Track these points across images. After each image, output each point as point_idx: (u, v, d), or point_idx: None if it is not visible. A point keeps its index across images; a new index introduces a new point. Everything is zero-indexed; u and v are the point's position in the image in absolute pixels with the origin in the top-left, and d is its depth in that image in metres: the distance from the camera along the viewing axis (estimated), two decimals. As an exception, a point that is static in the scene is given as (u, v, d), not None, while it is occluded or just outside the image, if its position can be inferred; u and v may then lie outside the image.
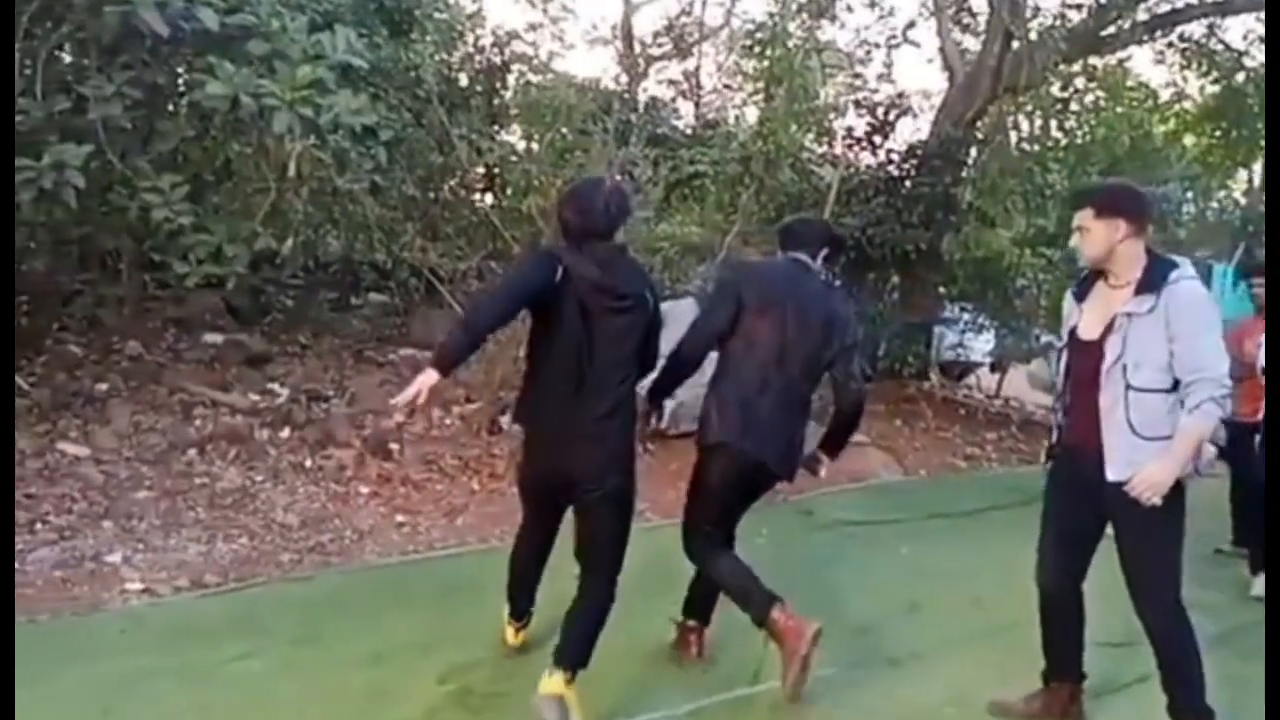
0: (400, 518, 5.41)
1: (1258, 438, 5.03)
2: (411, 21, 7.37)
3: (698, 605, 3.87)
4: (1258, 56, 11.08)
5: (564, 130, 6.69)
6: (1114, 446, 3.11)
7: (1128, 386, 3.07)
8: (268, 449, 5.83)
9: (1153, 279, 3.07)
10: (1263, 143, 10.25)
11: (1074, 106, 11.22)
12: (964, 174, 9.71)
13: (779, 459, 3.60)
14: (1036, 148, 11.03)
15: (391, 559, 4.95)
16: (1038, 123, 11.82)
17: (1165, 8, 10.69)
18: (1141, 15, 10.27)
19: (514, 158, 7.22)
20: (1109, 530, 3.22)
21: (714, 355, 3.79)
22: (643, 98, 9.61)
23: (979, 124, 10.25)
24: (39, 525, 4.68)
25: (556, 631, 3.83)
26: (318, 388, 6.73)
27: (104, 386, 6.04)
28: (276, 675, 3.56)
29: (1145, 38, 10.89)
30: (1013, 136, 11.57)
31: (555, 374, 3.22)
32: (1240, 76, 11.46)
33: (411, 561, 4.96)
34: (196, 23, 4.53)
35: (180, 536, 4.82)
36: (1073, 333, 3.27)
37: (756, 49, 9.22)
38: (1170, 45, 11.85)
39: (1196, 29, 11.55)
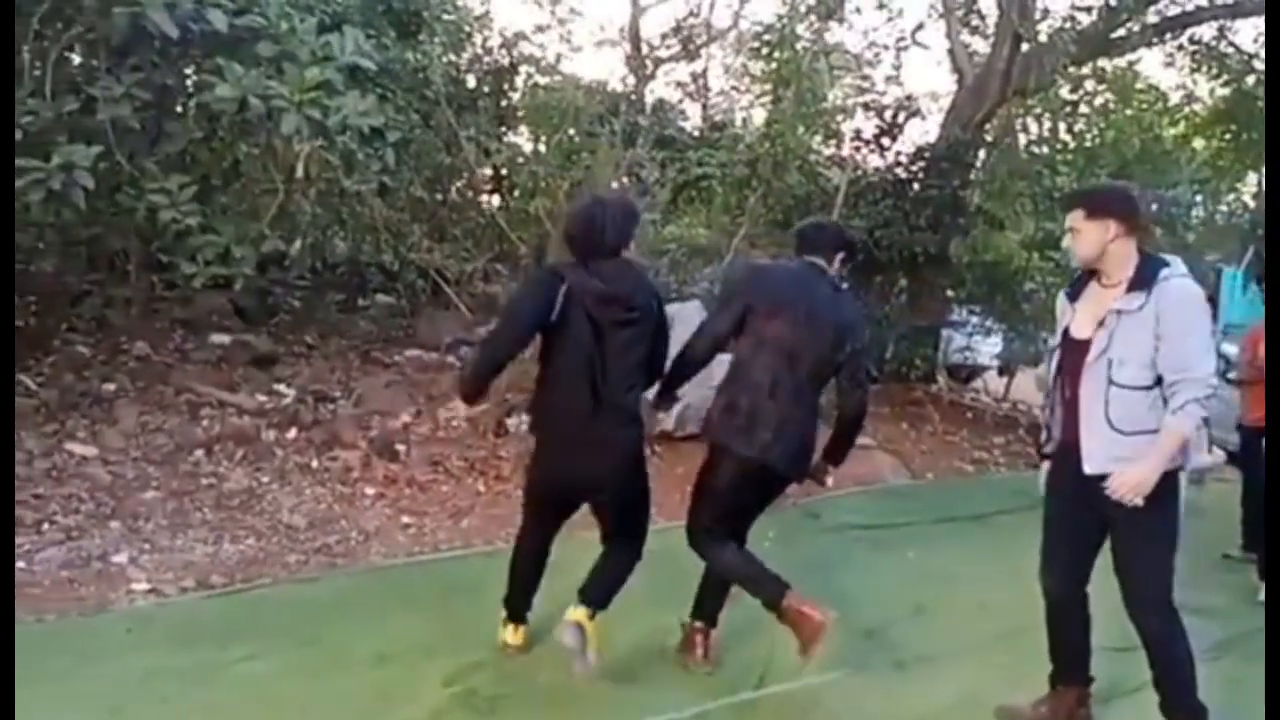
0: (406, 519, 5.41)
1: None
2: (419, 23, 7.40)
3: (705, 606, 3.87)
4: (1268, 59, 11.03)
5: (571, 132, 6.69)
6: (1092, 441, 3.13)
7: (1110, 382, 3.09)
8: (274, 450, 5.83)
9: (1144, 277, 3.09)
10: (1274, 146, 10.20)
11: (1083, 109, 11.21)
12: (972, 176, 9.69)
13: (786, 461, 3.60)
14: (1045, 150, 11.02)
15: (397, 560, 4.95)
16: (1047, 125, 11.81)
17: (1175, 10, 10.66)
18: (1151, 18, 10.23)
19: (521, 159, 7.23)
20: None
21: (724, 356, 3.83)
22: (650, 99, 9.60)
23: (988, 126, 10.22)
24: (46, 525, 4.68)
25: (553, 629, 3.85)
26: (324, 389, 6.73)
27: (111, 387, 6.05)
28: (282, 676, 3.56)
29: (1155, 40, 10.84)
30: (1021, 139, 11.56)
31: (568, 385, 3.38)
32: (1250, 79, 11.41)
33: (417, 563, 4.96)
34: (206, 24, 4.56)
35: (187, 537, 4.82)
36: (1066, 332, 3.29)
37: (764, 51, 9.22)
38: (1180, 48, 11.81)
39: (1207, 31, 11.51)
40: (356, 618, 4.13)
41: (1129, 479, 3.02)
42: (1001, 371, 10.65)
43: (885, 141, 9.46)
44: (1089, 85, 11.29)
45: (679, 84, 11.54)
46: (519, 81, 8.36)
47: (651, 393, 3.75)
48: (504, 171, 7.57)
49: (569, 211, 3.72)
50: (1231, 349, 9.76)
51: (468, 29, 8.59)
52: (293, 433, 6.05)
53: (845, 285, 3.92)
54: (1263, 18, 10.16)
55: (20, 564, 4.34)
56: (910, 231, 8.75)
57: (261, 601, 4.30)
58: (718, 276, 8.16)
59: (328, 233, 8.38)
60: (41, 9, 4.59)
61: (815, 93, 8.43)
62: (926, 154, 9.45)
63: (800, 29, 8.58)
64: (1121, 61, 12.01)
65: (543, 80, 8.05)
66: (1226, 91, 12.32)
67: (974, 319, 10.60)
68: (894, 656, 4.02)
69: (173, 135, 5.25)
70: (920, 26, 10.67)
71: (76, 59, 5.19)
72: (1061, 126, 11.47)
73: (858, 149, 9.51)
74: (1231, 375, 9.53)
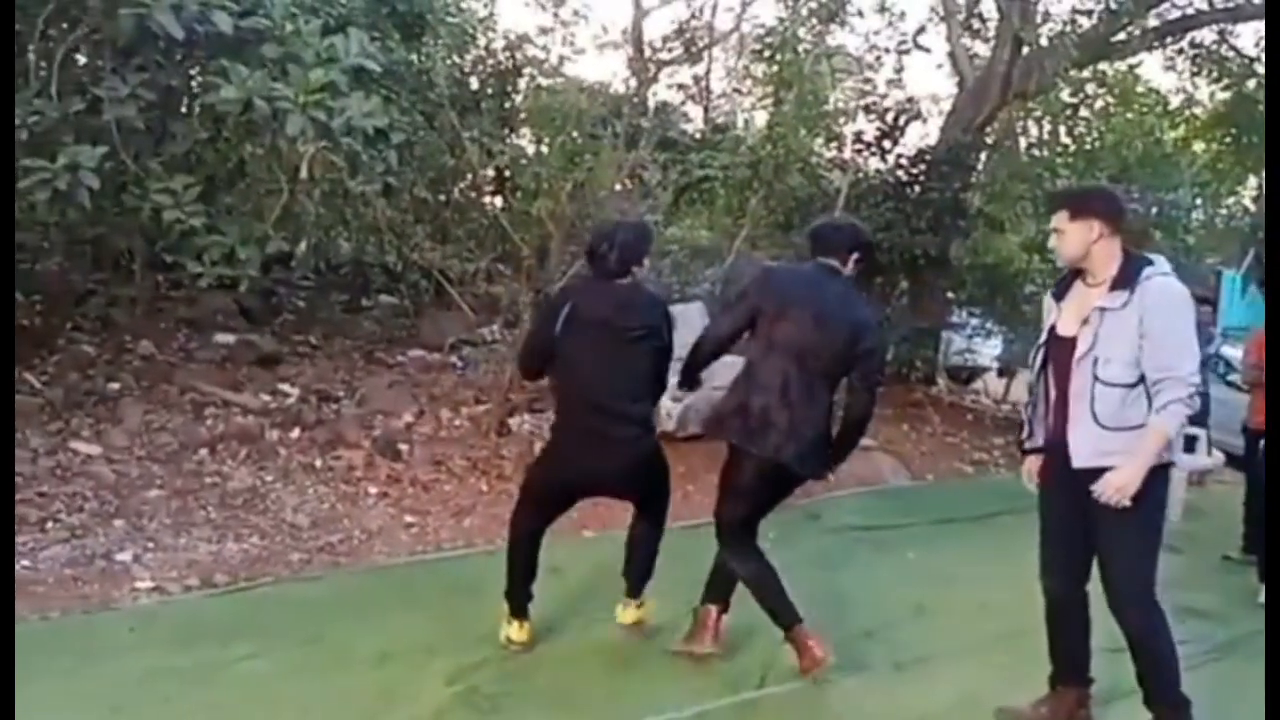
0: (409, 518, 5.43)
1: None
2: (424, 25, 7.42)
3: (717, 588, 3.91)
4: (1269, 63, 11.04)
5: (574, 134, 6.69)
6: (1079, 436, 3.17)
7: (1095, 379, 3.12)
8: (278, 449, 5.85)
9: (1127, 275, 3.13)
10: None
11: (1084, 112, 11.23)
12: (973, 179, 9.70)
13: (799, 461, 3.64)
14: (1046, 153, 11.04)
15: (400, 559, 4.97)
16: (1047, 128, 11.82)
17: (1176, 14, 10.66)
18: (1152, 21, 10.23)
19: (524, 161, 7.23)
20: None
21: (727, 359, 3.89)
22: (652, 102, 9.60)
23: (988, 129, 10.24)
24: (51, 523, 4.69)
25: (555, 628, 3.87)
26: (328, 388, 6.75)
27: (116, 386, 6.07)
28: (285, 675, 3.58)
29: (1156, 44, 10.85)
30: (1022, 142, 11.58)
31: (575, 394, 3.68)
32: (1251, 83, 11.43)
33: (419, 562, 4.98)
34: (211, 26, 4.56)
35: (190, 536, 4.84)
36: (1052, 329, 3.33)
37: (766, 54, 9.22)
38: (1181, 51, 11.82)
39: (1207, 35, 11.51)
40: (359, 616, 4.15)
41: (1114, 480, 3.05)
42: (1001, 373, 10.68)
43: (886, 144, 9.47)
44: (1089, 88, 11.31)
45: (681, 86, 11.52)
46: (522, 84, 8.37)
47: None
48: (507, 173, 7.57)
49: (590, 235, 4.09)
50: (1232, 352, 9.82)
51: (471, 31, 8.61)
52: (296, 432, 6.07)
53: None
54: (1263, 22, 10.19)
55: (25, 562, 4.35)
56: (911, 234, 8.77)
57: (264, 600, 4.32)
58: (719, 278, 8.18)
59: (332, 233, 8.38)
60: (47, 10, 4.60)
61: (817, 95, 8.45)
62: (927, 156, 9.46)
63: (802, 32, 8.61)
64: (1122, 65, 12.02)
65: (546, 82, 8.04)
66: (1227, 95, 12.33)
67: (974, 321, 10.63)
68: (894, 657, 4.03)
69: (178, 136, 5.26)
70: (921, 30, 10.64)
71: (82, 60, 5.20)
72: (1062, 129, 11.48)
73: (859, 151, 9.52)
74: (1232, 378, 9.60)
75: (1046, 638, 3.44)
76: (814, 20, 8.82)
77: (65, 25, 4.86)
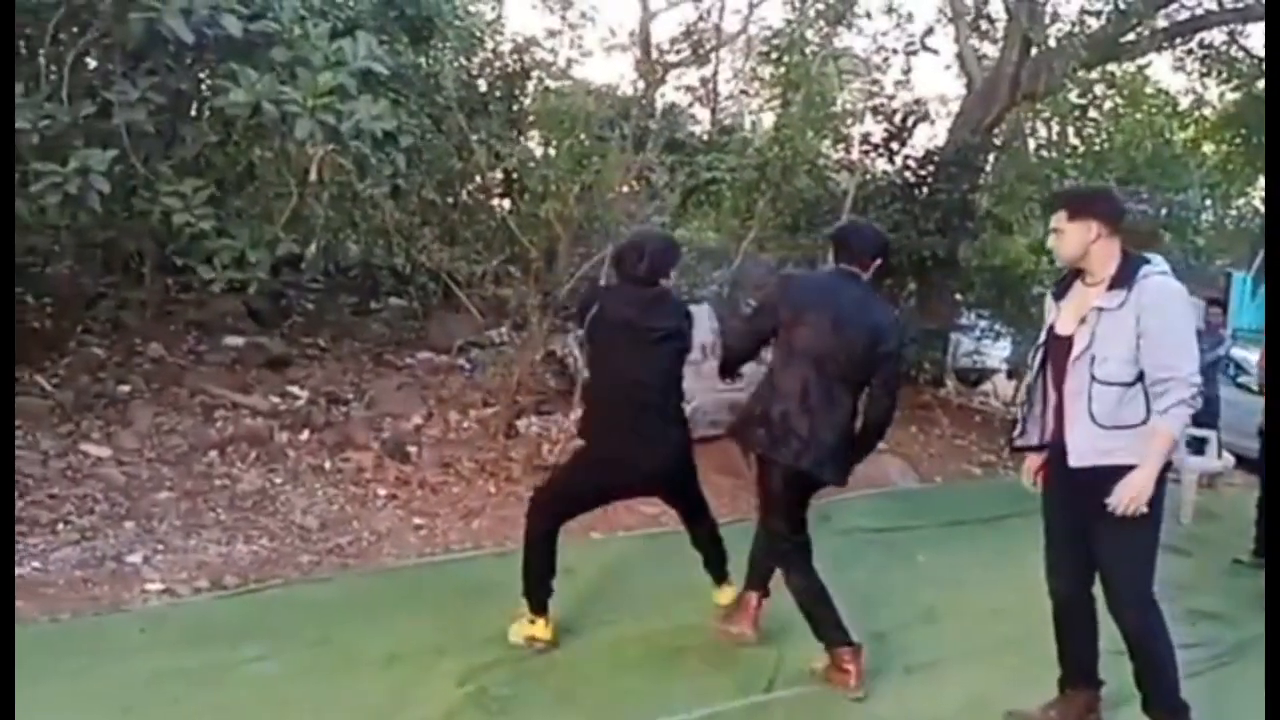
0: (418, 520, 5.44)
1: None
2: (432, 28, 7.43)
3: (758, 575, 3.99)
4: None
5: (582, 136, 6.70)
6: (1076, 435, 3.18)
7: (1092, 378, 3.13)
8: (287, 451, 5.87)
9: (1125, 275, 3.14)
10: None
11: (1093, 113, 11.18)
12: (981, 181, 9.68)
13: (819, 466, 3.66)
14: (1054, 155, 11.01)
15: (408, 561, 4.98)
16: (1056, 129, 11.79)
17: (1185, 15, 10.63)
18: (1161, 22, 10.21)
19: (532, 163, 7.24)
20: None
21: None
22: (660, 104, 9.60)
23: (997, 130, 10.21)
24: (61, 525, 4.71)
25: (566, 629, 3.88)
26: (337, 391, 6.76)
27: (126, 388, 6.09)
28: (295, 677, 3.59)
29: (1165, 45, 10.82)
30: (1030, 143, 11.55)
31: (615, 392, 3.81)
32: (1261, 84, 11.38)
33: (428, 564, 4.98)
34: (220, 29, 4.58)
35: (200, 537, 4.85)
36: (1051, 329, 3.34)
37: (774, 55, 9.20)
38: (1190, 52, 11.79)
39: (1217, 36, 11.48)
40: (368, 618, 4.16)
41: (1128, 491, 3.05)
42: (1010, 375, 10.65)
43: (894, 145, 9.45)
44: (1098, 89, 11.27)
45: (688, 88, 11.50)
46: (530, 86, 8.39)
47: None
48: (515, 175, 7.59)
49: (620, 242, 4.29)
50: (1243, 354, 9.77)
51: (479, 34, 8.64)
52: (305, 434, 6.09)
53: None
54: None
55: (35, 564, 4.37)
56: (919, 235, 8.76)
57: (274, 602, 4.33)
58: (727, 280, 8.18)
59: (340, 236, 8.43)
60: (58, 14, 4.62)
61: (824, 97, 8.42)
62: (935, 158, 9.44)
63: (809, 34, 8.58)
64: (1131, 66, 12.00)
65: (553, 85, 8.07)
66: (1236, 96, 12.31)
67: (982, 323, 10.60)
68: (904, 660, 4.03)
69: (188, 139, 5.29)
70: (929, 31, 10.59)
71: (92, 64, 5.22)
72: (1071, 131, 11.45)
73: (866, 153, 9.50)
74: (1243, 380, 9.56)
75: (1054, 640, 3.44)
76: (821, 22, 8.80)
77: (75, 29, 4.88)
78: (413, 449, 6.14)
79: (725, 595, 4.20)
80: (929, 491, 7.38)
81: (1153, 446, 3.05)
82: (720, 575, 4.22)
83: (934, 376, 9.76)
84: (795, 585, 3.76)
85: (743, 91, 13.08)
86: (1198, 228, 11.36)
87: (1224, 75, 12.02)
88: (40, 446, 5.25)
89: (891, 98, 9.58)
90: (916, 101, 9.66)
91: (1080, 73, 9.86)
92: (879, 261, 3.82)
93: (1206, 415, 7.17)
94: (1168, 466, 3.15)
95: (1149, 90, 12.92)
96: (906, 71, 9.87)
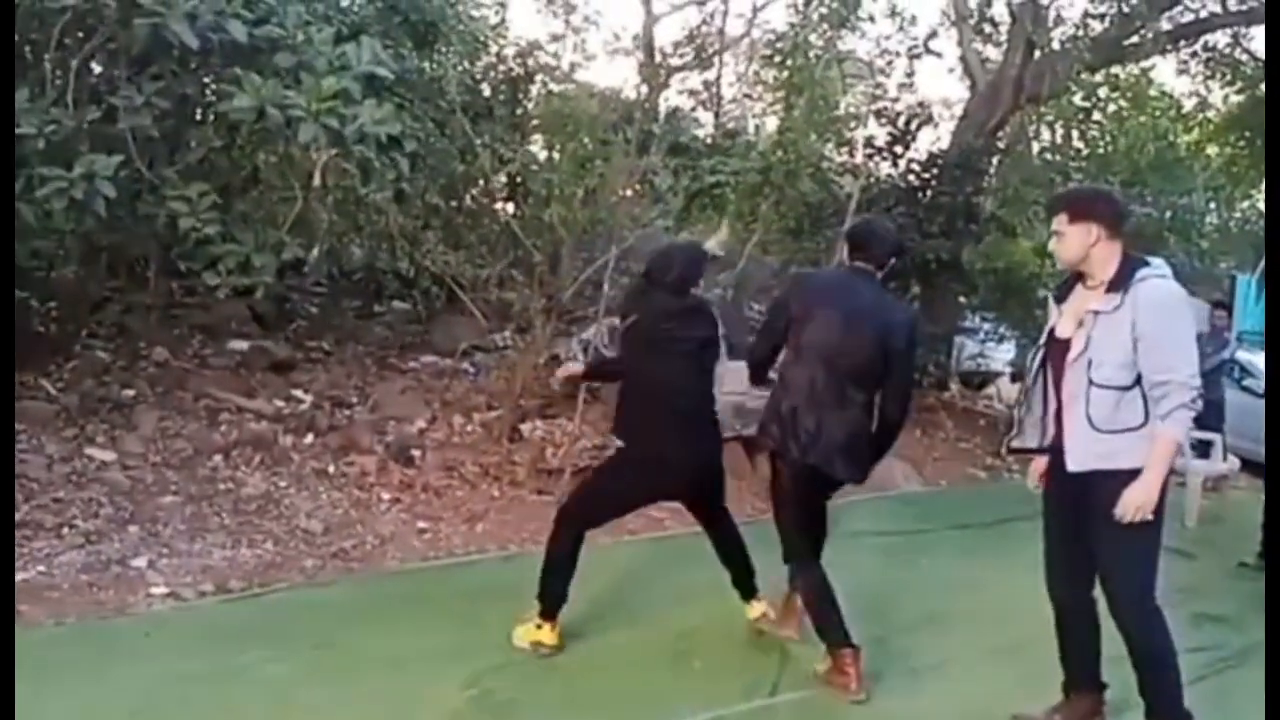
0: (421, 524, 5.44)
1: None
2: (436, 33, 7.46)
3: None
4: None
5: (585, 140, 6.72)
6: (1074, 439, 3.17)
7: (1089, 382, 3.12)
8: (291, 455, 5.87)
9: (1121, 277, 3.12)
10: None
11: (1096, 116, 11.18)
12: (985, 183, 9.68)
13: (828, 462, 3.66)
14: (1058, 157, 11.00)
15: (412, 565, 4.99)
16: (1059, 132, 11.79)
17: (1189, 17, 10.63)
18: (1165, 25, 10.21)
19: (535, 167, 7.26)
20: None
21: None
22: (663, 108, 9.61)
23: (1000, 133, 10.22)
24: (66, 529, 4.72)
25: (571, 633, 3.87)
26: (341, 394, 6.78)
27: (131, 392, 6.10)
28: (299, 681, 3.59)
29: (1169, 47, 10.81)
30: (1034, 146, 11.55)
31: (654, 396, 3.85)
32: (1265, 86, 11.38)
33: (432, 567, 4.99)
34: (225, 35, 4.59)
35: (205, 541, 4.86)
36: (1051, 332, 3.33)
37: (777, 59, 9.23)
38: (1194, 55, 11.78)
39: (1221, 38, 11.49)
40: (372, 622, 4.16)
41: (1133, 499, 3.03)
42: (1014, 378, 10.63)
43: (898, 149, 9.45)
44: (1102, 92, 11.25)
45: (692, 92, 11.52)
46: (534, 90, 8.41)
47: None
48: (518, 179, 7.61)
49: (649, 255, 4.33)
50: (1247, 357, 9.76)
51: (483, 39, 8.66)
52: (309, 438, 6.10)
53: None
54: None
55: (40, 567, 4.38)
56: (923, 238, 8.76)
57: (278, 605, 4.34)
58: (730, 283, 8.18)
59: (344, 240, 8.44)
60: (63, 19, 4.64)
61: (828, 100, 8.44)
62: (939, 161, 9.44)
63: (813, 37, 8.60)
64: (1135, 69, 11.99)
65: (557, 89, 8.09)
66: (1240, 99, 12.30)
67: (986, 325, 10.60)
68: (908, 663, 4.03)
69: (193, 144, 5.31)
70: (933, 34, 10.60)
71: (98, 69, 5.24)
72: (1074, 134, 11.44)
73: (870, 156, 9.51)
74: (1248, 383, 9.54)
75: (1057, 644, 3.43)
76: (825, 25, 8.81)
77: (81, 35, 4.90)
78: (416, 453, 6.15)
79: (755, 610, 4.17)
80: (933, 495, 7.37)
81: (1155, 453, 3.04)
82: (749, 591, 4.18)
83: (938, 379, 9.76)
84: (802, 584, 3.78)
85: (746, 95, 13.11)
86: (1202, 230, 11.37)
87: (1228, 78, 12.02)
88: (45, 450, 5.27)
89: (895, 101, 9.60)
90: (920, 105, 9.68)
91: (1084, 76, 9.86)
92: (893, 260, 3.86)
93: (1212, 418, 7.18)
94: (1170, 470, 3.14)
95: (1153, 93, 12.91)
96: (910, 75, 9.89)
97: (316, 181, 5.21)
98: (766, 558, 4.08)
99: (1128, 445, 3.08)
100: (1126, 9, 9.59)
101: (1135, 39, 9.98)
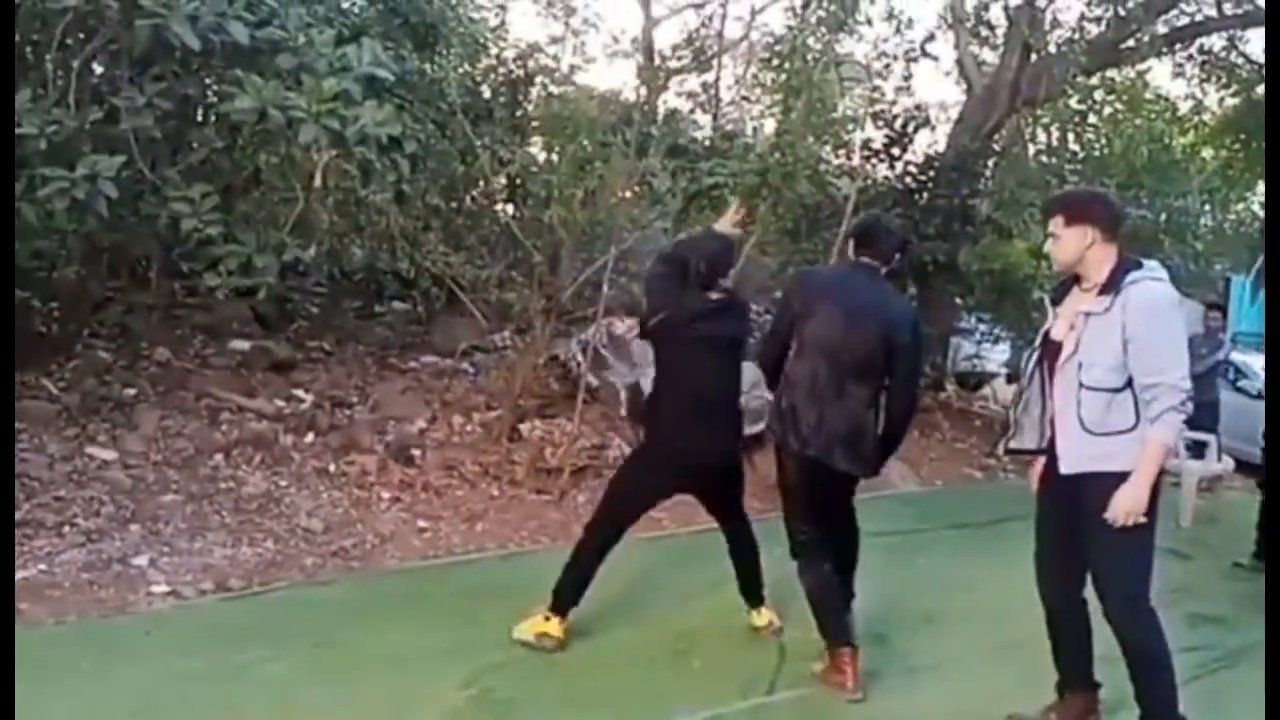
0: (421, 523, 5.47)
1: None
2: (436, 35, 7.47)
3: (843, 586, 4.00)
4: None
5: (585, 142, 6.73)
6: (1066, 442, 3.18)
7: (1080, 384, 3.13)
8: (292, 454, 5.89)
9: (1113, 280, 3.13)
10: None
11: (1092, 119, 11.20)
12: (981, 186, 9.71)
13: (829, 454, 3.68)
14: (1054, 160, 11.02)
15: (412, 564, 5.01)
16: (1055, 135, 11.81)
17: (1185, 20, 10.67)
18: (1161, 28, 10.24)
19: (535, 168, 7.28)
20: None
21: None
22: (662, 110, 9.63)
23: (996, 136, 10.25)
24: (67, 528, 4.74)
25: (571, 632, 3.88)
26: (341, 394, 6.80)
27: (132, 392, 6.11)
28: (300, 679, 3.61)
29: (1164, 50, 10.85)
30: (1030, 149, 11.57)
31: (682, 392, 3.91)
32: (1260, 89, 11.41)
33: (432, 566, 5.02)
34: (226, 36, 4.61)
35: (206, 540, 4.88)
36: (1046, 334, 3.34)
37: (775, 61, 9.27)
38: (1190, 58, 11.81)
39: (1216, 42, 11.52)
40: (372, 620, 4.19)
41: (1123, 504, 3.04)
42: (1010, 379, 10.68)
43: (895, 151, 9.49)
44: (1098, 95, 11.27)
45: (690, 94, 11.52)
46: (533, 92, 8.42)
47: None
48: (518, 180, 7.62)
49: (677, 246, 4.37)
50: (1242, 358, 9.80)
51: (483, 40, 8.67)
52: (310, 437, 6.12)
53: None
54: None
55: (41, 566, 4.40)
56: (919, 240, 8.78)
57: (279, 604, 4.36)
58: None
59: (345, 240, 8.45)
60: (65, 20, 4.65)
61: (825, 103, 8.46)
62: (935, 164, 9.48)
63: (810, 40, 8.63)
64: (1131, 72, 12.01)
65: (557, 91, 8.10)
66: (1235, 101, 12.33)
67: (982, 327, 10.64)
68: (904, 663, 4.05)
69: (194, 145, 5.32)
70: (930, 38, 10.63)
71: (100, 70, 5.25)
72: (1070, 136, 11.45)
73: (867, 158, 9.54)
74: (1242, 384, 9.58)
75: (1049, 644, 3.45)
76: (822, 28, 8.82)
77: (82, 35, 4.91)
78: (416, 452, 6.18)
79: (760, 618, 4.19)
80: (930, 495, 7.40)
81: (1145, 456, 3.04)
82: (755, 598, 4.21)
83: (934, 380, 9.79)
84: (805, 580, 3.79)
85: (744, 97, 13.12)
86: (1197, 232, 11.40)
87: (1223, 81, 12.05)
88: (47, 449, 5.28)
89: (892, 104, 9.63)
90: (917, 107, 9.72)
91: (1080, 79, 9.89)
92: (898, 256, 3.91)
93: (1206, 419, 7.22)
94: (1162, 471, 3.15)
95: (1149, 96, 12.93)
96: (907, 78, 9.93)
97: (317, 182, 5.23)
98: (765, 557, 4.11)
99: (1120, 448, 3.08)
100: (1122, 13, 9.62)
101: (1131, 42, 10.00)
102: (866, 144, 9.56)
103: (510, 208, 7.90)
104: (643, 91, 9.76)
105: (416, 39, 7.21)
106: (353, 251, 8.79)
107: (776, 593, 4.22)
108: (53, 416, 5.59)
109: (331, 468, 5.85)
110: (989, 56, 11.19)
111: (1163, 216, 10.59)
